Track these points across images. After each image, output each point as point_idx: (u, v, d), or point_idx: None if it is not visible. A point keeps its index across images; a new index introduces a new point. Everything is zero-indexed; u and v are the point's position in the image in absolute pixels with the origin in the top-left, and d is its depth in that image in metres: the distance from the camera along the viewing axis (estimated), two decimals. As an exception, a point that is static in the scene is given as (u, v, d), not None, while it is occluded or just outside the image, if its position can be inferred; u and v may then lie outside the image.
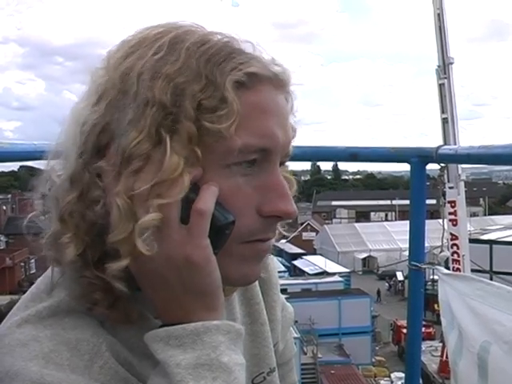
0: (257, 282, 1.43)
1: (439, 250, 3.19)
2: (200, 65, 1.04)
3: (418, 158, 2.64)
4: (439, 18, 19.58)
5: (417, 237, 2.71)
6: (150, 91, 1.02)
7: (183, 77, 1.03)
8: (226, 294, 1.14)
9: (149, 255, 1.01)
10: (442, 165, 2.66)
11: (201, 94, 1.02)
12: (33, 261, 54.94)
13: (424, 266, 2.66)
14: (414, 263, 2.67)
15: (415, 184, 2.69)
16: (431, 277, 3.12)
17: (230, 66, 1.05)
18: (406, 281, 44.81)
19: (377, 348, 36.52)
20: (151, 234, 1.01)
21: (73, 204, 1.05)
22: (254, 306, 1.43)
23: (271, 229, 1.13)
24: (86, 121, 1.05)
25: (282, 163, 1.15)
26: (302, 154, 2.65)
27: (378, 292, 50.56)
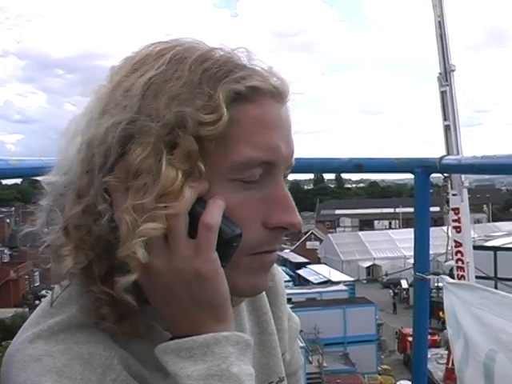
0: (264, 293, 1.44)
1: (444, 257, 3.19)
2: (202, 81, 1.05)
3: (422, 168, 2.65)
4: (440, 25, 19.61)
5: (421, 247, 2.72)
6: (153, 108, 1.04)
7: (186, 94, 1.04)
8: (233, 305, 1.15)
9: (158, 269, 1.03)
10: (446, 175, 2.68)
11: (203, 109, 1.03)
12: (37, 273, 54.90)
13: (429, 277, 2.66)
14: (419, 273, 2.68)
15: (419, 194, 2.70)
16: (436, 284, 3.13)
17: (232, 80, 1.06)
18: (411, 288, 44.69)
19: (382, 356, 36.34)
20: (159, 247, 1.03)
21: (78, 217, 1.07)
22: (263, 317, 1.45)
23: (277, 240, 1.15)
24: (92, 137, 1.06)
25: (284, 175, 1.16)
26: (307, 166, 2.67)
27: (394, 305, 49.08)
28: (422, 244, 2.71)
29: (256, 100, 1.08)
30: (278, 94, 1.12)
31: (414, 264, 2.74)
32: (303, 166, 2.59)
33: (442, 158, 2.55)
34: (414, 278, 2.71)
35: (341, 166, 2.73)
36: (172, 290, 1.05)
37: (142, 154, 1.02)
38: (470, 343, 2.41)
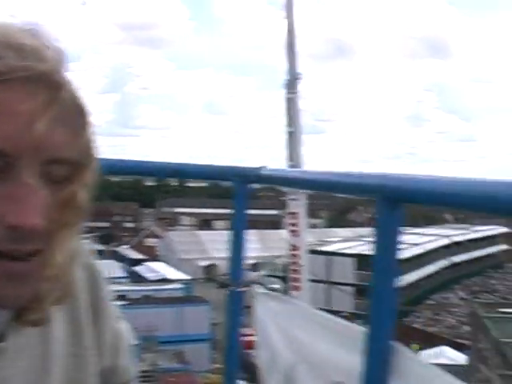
0: (85, 302, 1.35)
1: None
2: None
3: (240, 177, 2.64)
4: (290, 34, 20.17)
5: (235, 257, 2.70)
6: None
7: None
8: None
9: None
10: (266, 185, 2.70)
11: None
12: None
13: (241, 289, 2.65)
14: (232, 283, 2.67)
15: (236, 203, 2.71)
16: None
17: None
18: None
19: (215, 356, 36.73)
20: None
21: None
22: (80, 327, 1.35)
23: (10, 242, 0.99)
24: None
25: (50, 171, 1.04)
26: (124, 168, 2.61)
27: None
28: (236, 254, 2.70)
29: None
30: (27, 77, 1.00)
31: (229, 274, 2.71)
32: (120, 167, 2.51)
33: (260, 168, 2.53)
34: (228, 289, 2.69)
35: (159, 171, 2.67)
36: None
37: None
38: (275, 353, 2.44)
